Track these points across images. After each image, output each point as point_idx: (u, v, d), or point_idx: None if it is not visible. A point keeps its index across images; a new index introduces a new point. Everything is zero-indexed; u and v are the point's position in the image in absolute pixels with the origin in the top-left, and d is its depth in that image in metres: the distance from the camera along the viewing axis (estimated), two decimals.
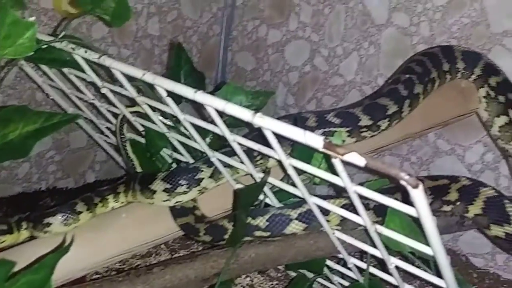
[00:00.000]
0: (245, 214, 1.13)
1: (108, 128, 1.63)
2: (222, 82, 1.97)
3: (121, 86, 1.24)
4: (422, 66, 1.46)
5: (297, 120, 1.33)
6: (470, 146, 1.80)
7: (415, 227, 1.03)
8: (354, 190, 0.95)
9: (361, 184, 1.26)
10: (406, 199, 0.85)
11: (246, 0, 2.25)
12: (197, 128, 1.18)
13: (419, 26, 1.81)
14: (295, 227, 1.18)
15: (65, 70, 1.41)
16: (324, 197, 1.14)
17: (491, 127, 1.49)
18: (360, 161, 0.84)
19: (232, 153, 1.16)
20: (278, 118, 1.36)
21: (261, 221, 1.18)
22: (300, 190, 1.08)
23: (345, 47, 2.01)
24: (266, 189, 1.21)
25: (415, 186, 0.80)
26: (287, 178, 1.16)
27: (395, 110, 1.38)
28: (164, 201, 1.25)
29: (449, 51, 1.53)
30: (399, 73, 1.49)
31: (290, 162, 1.02)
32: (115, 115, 1.48)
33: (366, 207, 1.15)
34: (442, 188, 1.27)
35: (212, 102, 1.01)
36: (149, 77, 1.11)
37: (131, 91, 1.23)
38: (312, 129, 1.33)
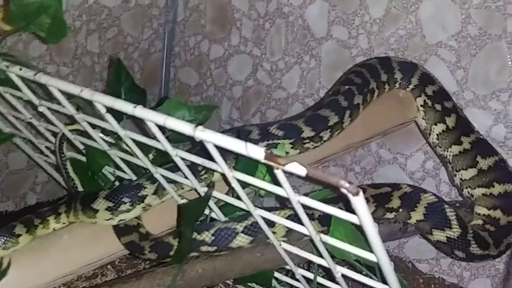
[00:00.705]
0: (190, 230, 1.11)
1: (48, 148, 1.59)
2: (164, 97, 1.95)
3: (59, 103, 1.21)
4: (361, 77, 1.49)
5: (240, 133, 1.33)
6: (411, 155, 1.84)
7: (359, 235, 1.04)
8: (298, 200, 0.95)
9: (306, 194, 1.28)
10: (349, 208, 0.86)
11: (187, 16, 2.25)
12: (139, 144, 1.17)
13: (357, 39, 1.85)
14: (242, 240, 1.18)
15: (0, 88, 1.37)
16: (269, 209, 1.14)
17: (430, 135, 1.54)
18: (301, 170, 0.84)
19: (176, 169, 1.14)
20: (222, 132, 1.37)
21: (207, 236, 1.17)
22: (245, 203, 1.08)
23: (287, 61, 2.03)
24: (211, 203, 1.20)
25: (356, 194, 0.81)
26: (232, 192, 1.16)
27: (336, 121, 1.40)
28: (107, 220, 1.23)
29: (386, 62, 1.58)
30: (338, 84, 1.52)
31: (234, 175, 1.01)
32: (55, 134, 1.45)
33: (311, 217, 1.16)
34: (384, 195, 1.29)
35: (152, 117, 1.00)
36: (87, 94, 1.09)
37: (69, 109, 1.20)
38: (255, 142, 1.34)
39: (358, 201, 0.82)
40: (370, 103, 1.50)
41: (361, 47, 1.85)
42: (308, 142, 1.38)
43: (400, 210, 1.29)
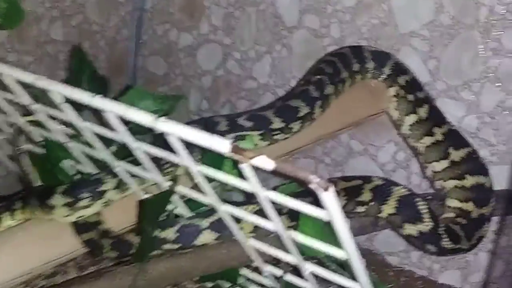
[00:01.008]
0: (152, 227, 1.05)
1: (5, 139, 1.50)
2: (128, 86, 1.87)
3: (15, 93, 1.13)
4: (332, 67, 1.44)
5: (207, 125, 1.27)
6: (382, 146, 1.80)
7: (328, 230, 0.99)
8: (265, 195, 0.89)
9: (276, 187, 1.22)
10: (319, 202, 0.81)
11: (155, 3, 2.16)
12: (100, 136, 1.10)
13: (329, 28, 1.80)
14: (207, 237, 1.12)
15: None
16: (236, 204, 1.08)
17: (402, 126, 1.49)
18: (269, 164, 0.79)
19: (138, 162, 1.08)
20: (187, 123, 1.30)
21: (170, 233, 1.10)
22: (211, 198, 1.02)
23: (257, 50, 1.97)
24: (175, 198, 1.14)
25: (326, 189, 0.76)
26: (197, 186, 1.10)
27: (307, 111, 1.34)
28: (65, 216, 1.15)
29: (359, 51, 1.52)
30: (310, 74, 1.46)
31: (198, 169, 0.95)
32: (12, 125, 1.36)
33: (280, 212, 1.11)
34: (355, 189, 1.25)
35: (111, 107, 0.93)
36: (42, 82, 1.01)
37: (24, 99, 1.12)
38: (223, 134, 1.28)
39: (328, 197, 0.77)
40: (341, 93, 1.45)
41: (333, 36, 1.80)
42: (278, 134, 1.32)
43: (371, 203, 1.24)
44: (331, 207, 0.79)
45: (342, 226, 0.84)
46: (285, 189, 1.27)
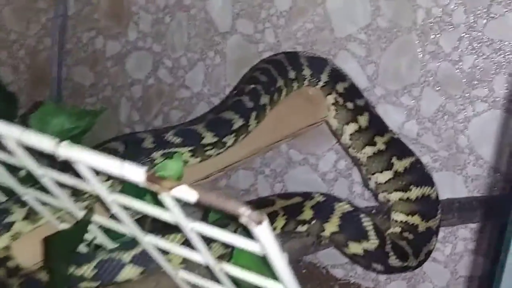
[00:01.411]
0: (64, 264, 0.90)
1: None
2: (38, 102, 1.69)
3: None
4: (267, 75, 1.33)
5: (131, 142, 1.13)
6: (323, 155, 1.71)
7: (265, 261, 0.87)
8: (191, 227, 0.76)
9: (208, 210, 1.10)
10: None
11: (79, 9, 2.00)
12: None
13: (264, 33, 1.70)
14: (130, 271, 0.97)
15: None
16: (163, 233, 0.95)
17: (342, 136, 1.40)
18: (191, 196, 0.66)
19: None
20: (111, 140, 1.16)
21: (88, 270, 0.96)
22: (131, 229, 0.88)
23: (190, 57, 1.84)
24: (94, 228, 0.99)
25: (259, 223, 0.63)
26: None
27: (241, 124, 1.23)
28: None
29: (294, 58, 1.42)
30: (243, 83, 1.34)
31: (113, 198, 0.81)
32: None
33: (211, 239, 0.98)
34: (295, 207, 1.14)
35: (5, 131, 0.77)
36: None
37: None
38: (149, 152, 1.14)
39: (262, 231, 0.65)
40: (277, 103, 1.34)
41: (268, 41, 1.69)
42: (210, 149, 1.20)
43: (313, 222, 1.14)
44: (266, 241, 0.67)
45: (278, 260, 0.72)
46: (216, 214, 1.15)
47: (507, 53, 1.43)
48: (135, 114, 1.99)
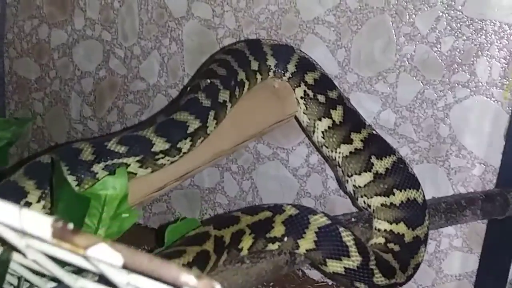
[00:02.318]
0: None
1: None
2: None
3: None
4: (226, 67, 1.13)
5: (66, 155, 0.92)
6: (293, 149, 1.54)
7: None
8: (127, 283, 0.56)
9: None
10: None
11: None
12: None
13: (223, 17, 1.51)
14: None
15: None
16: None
17: (314, 133, 1.21)
18: (114, 257, 0.46)
19: None
20: (41, 152, 0.95)
21: None
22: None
23: (143, 46, 1.64)
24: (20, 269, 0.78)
25: None
26: None
27: (198, 126, 1.04)
28: None
29: (257, 46, 1.22)
30: (198, 78, 1.13)
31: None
32: None
33: None
34: (264, 223, 0.96)
35: None
36: None
37: None
38: (89, 165, 0.93)
39: None
40: (239, 98, 1.14)
41: (228, 27, 1.51)
42: (163, 157, 1.00)
43: (285, 238, 0.96)
44: None
45: None
46: (177, 228, 0.96)
47: (489, 34, 1.28)
48: (87, 110, 1.77)
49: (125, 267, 0.46)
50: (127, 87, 1.70)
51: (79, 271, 0.72)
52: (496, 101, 1.29)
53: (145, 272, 0.45)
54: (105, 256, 0.46)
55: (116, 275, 0.55)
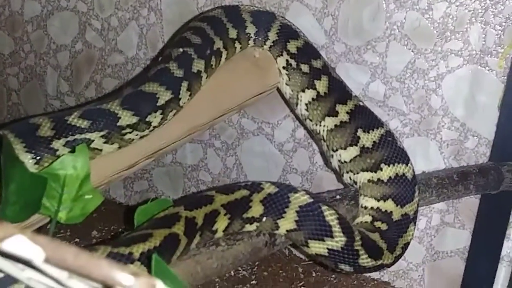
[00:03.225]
0: None
1: None
2: None
3: None
4: (201, 35, 1.04)
5: (23, 130, 0.83)
6: (279, 123, 1.46)
7: None
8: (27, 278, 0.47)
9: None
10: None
11: None
12: None
13: None
14: None
15: None
16: None
17: (297, 105, 1.12)
18: (33, 251, 0.37)
19: None
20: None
21: None
22: None
23: (120, 17, 1.56)
24: None
25: None
26: None
27: (169, 97, 0.95)
28: None
29: (235, 13, 1.13)
30: (170, 47, 1.03)
31: None
32: None
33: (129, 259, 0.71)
34: (240, 202, 0.88)
35: None
36: None
37: None
38: (48, 141, 0.84)
39: None
40: (216, 69, 1.05)
41: None
42: (130, 132, 0.92)
43: (264, 219, 0.88)
44: None
45: None
46: (148, 208, 0.87)
47: None
48: (64, 85, 1.68)
49: (49, 261, 0.37)
50: (104, 60, 1.61)
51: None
52: (490, 70, 1.21)
53: (71, 269, 0.37)
54: (24, 249, 0.37)
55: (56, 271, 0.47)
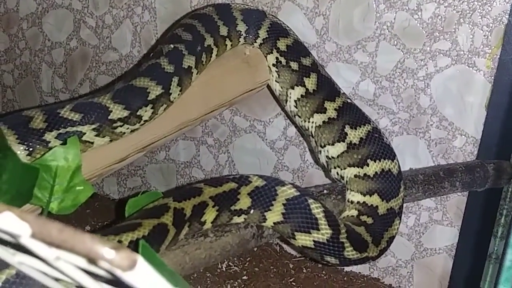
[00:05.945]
0: None
1: None
2: None
3: None
4: (192, 32, 1.05)
5: (16, 122, 0.85)
6: (271, 121, 1.47)
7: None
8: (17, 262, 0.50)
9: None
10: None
11: None
12: None
13: None
14: None
15: None
16: None
17: (287, 102, 1.14)
18: (20, 227, 0.39)
19: None
20: None
21: None
22: None
23: (115, 15, 1.56)
24: None
25: (128, 268, 0.38)
26: None
27: (160, 92, 0.97)
28: None
29: (226, 11, 1.15)
30: (162, 43, 1.05)
31: None
32: None
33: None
34: (229, 195, 0.89)
35: None
36: None
37: None
38: (40, 133, 0.87)
39: (135, 279, 0.39)
40: (206, 65, 1.07)
41: None
42: (121, 126, 0.93)
43: (252, 211, 0.90)
44: None
45: None
46: (138, 200, 0.90)
47: (471, 0, 1.19)
48: (58, 82, 1.69)
49: (36, 236, 0.39)
50: (99, 58, 1.62)
51: (18, 245, 0.65)
52: (478, 70, 1.23)
53: (56, 243, 0.39)
54: (11, 225, 0.40)
55: (43, 250, 0.49)
